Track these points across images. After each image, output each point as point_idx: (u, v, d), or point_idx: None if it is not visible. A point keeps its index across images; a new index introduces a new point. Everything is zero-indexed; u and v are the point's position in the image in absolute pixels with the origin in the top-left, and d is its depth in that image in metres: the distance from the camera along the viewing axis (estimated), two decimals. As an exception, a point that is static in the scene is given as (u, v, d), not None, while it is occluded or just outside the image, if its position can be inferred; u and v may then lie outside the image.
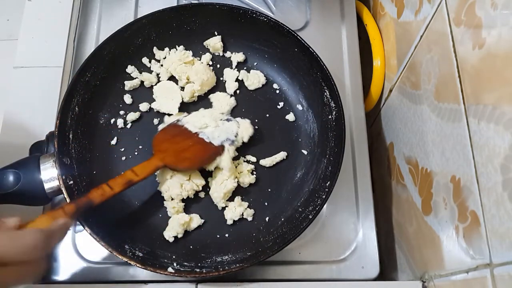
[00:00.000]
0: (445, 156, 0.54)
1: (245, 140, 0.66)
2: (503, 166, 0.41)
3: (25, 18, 0.77)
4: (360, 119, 0.73)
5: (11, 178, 0.57)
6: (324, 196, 0.59)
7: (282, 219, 0.63)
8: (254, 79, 0.70)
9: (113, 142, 0.67)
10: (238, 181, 0.64)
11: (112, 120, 0.68)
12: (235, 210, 0.62)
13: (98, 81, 0.67)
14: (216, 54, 0.73)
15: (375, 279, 0.64)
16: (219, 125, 0.65)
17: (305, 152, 0.67)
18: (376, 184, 0.76)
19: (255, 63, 0.72)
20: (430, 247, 0.58)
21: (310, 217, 0.58)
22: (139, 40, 0.70)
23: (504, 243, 0.41)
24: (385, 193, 0.75)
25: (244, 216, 0.63)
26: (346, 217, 0.67)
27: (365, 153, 0.71)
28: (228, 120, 0.66)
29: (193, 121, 0.65)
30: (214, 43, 0.72)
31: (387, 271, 0.73)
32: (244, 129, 0.66)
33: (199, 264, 0.59)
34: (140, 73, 0.71)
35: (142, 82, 0.70)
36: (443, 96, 0.54)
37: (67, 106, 0.62)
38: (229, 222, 0.63)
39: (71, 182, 0.59)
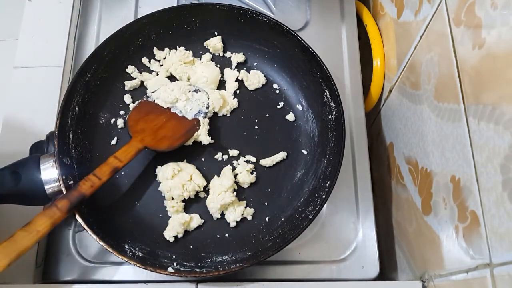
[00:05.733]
0: (445, 156, 0.54)
1: (216, 110, 0.67)
2: (503, 166, 0.41)
3: (25, 18, 0.77)
4: (360, 119, 0.73)
5: (11, 178, 0.57)
6: (324, 196, 0.59)
7: (282, 219, 0.63)
8: (254, 79, 0.70)
9: (113, 142, 0.67)
10: (238, 181, 0.64)
11: (112, 120, 0.68)
12: (236, 212, 0.62)
13: (98, 81, 0.67)
14: (216, 54, 0.73)
15: (375, 279, 0.64)
16: (189, 98, 0.66)
17: (305, 152, 0.67)
18: (376, 184, 0.76)
19: (255, 63, 0.72)
20: (430, 247, 0.58)
21: (310, 217, 0.58)
22: (139, 40, 0.70)
23: (504, 243, 0.41)
24: (385, 193, 0.75)
25: (244, 215, 0.63)
26: (346, 217, 0.67)
27: (365, 153, 0.71)
28: (196, 91, 0.67)
29: (163, 97, 0.66)
30: (214, 43, 0.72)
31: (387, 271, 0.73)
32: (214, 99, 0.66)
33: (199, 264, 0.59)
34: (140, 73, 0.71)
35: (142, 82, 0.71)
36: (443, 96, 0.54)
37: (67, 106, 0.62)
38: (233, 224, 0.63)
39: (71, 182, 0.59)
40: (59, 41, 0.74)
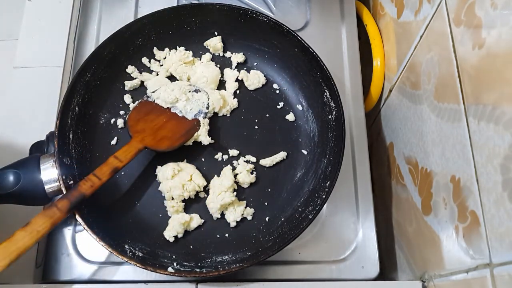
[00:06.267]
0: (445, 156, 0.54)
1: (216, 110, 0.67)
2: (503, 166, 0.41)
3: (25, 18, 0.77)
4: (360, 119, 0.73)
5: (11, 178, 0.57)
6: (324, 196, 0.59)
7: (282, 219, 0.63)
8: (254, 79, 0.70)
9: (113, 142, 0.67)
10: (238, 181, 0.64)
11: (112, 120, 0.68)
12: (236, 212, 0.62)
13: (98, 81, 0.67)
14: (216, 54, 0.73)
15: (375, 279, 0.64)
16: (189, 98, 0.66)
17: (305, 152, 0.67)
18: (376, 184, 0.76)
19: (255, 63, 0.72)
20: (430, 247, 0.58)
21: (310, 217, 0.58)
22: (139, 40, 0.70)
23: (504, 243, 0.41)
24: (385, 193, 0.75)
25: (244, 215, 0.63)
26: (346, 217, 0.67)
27: (365, 153, 0.71)
28: (196, 91, 0.67)
29: (163, 97, 0.66)
30: (214, 43, 0.72)
31: (387, 271, 0.73)
32: (214, 99, 0.67)
33: (199, 264, 0.59)
34: (140, 73, 0.71)
35: (142, 82, 0.71)
36: (443, 96, 0.54)
37: (67, 106, 0.62)
38: (233, 224, 0.63)
39: (71, 182, 0.59)
40: (59, 41, 0.74)
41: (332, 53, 0.76)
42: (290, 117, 0.69)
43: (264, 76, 0.71)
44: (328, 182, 0.60)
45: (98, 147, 0.66)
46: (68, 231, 0.65)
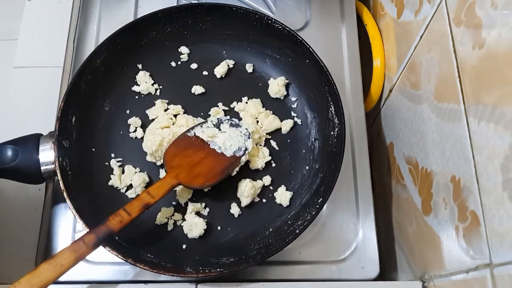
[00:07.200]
0: (445, 156, 0.54)
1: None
2: (503, 166, 0.41)
3: (25, 18, 0.77)
4: (360, 119, 0.73)
5: (9, 153, 0.57)
6: (314, 212, 0.59)
7: (271, 230, 0.63)
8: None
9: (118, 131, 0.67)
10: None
11: (117, 109, 0.68)
12: (246, 188, 0.63)
13: (103, 67, 0.67)
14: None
15: (375, 279, 0.64)
16: (226, 131, 0.64)
17: (304, 165, 0.67)
18: (376, 184, 0.76)
19: (263, 70, 0.72)
20: (430, 247, 0.58)
21: (314, 213, 0.59)
22: (153, 33, 0.71)
23: (504, 243, 0.41)
24: (385, 193, 0.75)
25: (255, 200, 0.64)
26: (346, 217, 0.67)
27: (365, 153, 0.71)
28: (236, 126, 0.65)
29: (202, 129, 0.64)
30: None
31: (387, 271, 0.73)
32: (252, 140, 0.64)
33: (199, 264, 0.59)
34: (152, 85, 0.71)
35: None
36: (443, 96, 0.54)
37: (73, 89, 0.63)
38: (237, 214, 0.63)
39: (68, 169, 0.59)
40: (59, 41, 0.74)
41: (332, 53, 0.76)
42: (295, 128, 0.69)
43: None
44: (321, 199, 0.60)
45: (100, 133, 0.66)
46: (68, 231, 0.65)
